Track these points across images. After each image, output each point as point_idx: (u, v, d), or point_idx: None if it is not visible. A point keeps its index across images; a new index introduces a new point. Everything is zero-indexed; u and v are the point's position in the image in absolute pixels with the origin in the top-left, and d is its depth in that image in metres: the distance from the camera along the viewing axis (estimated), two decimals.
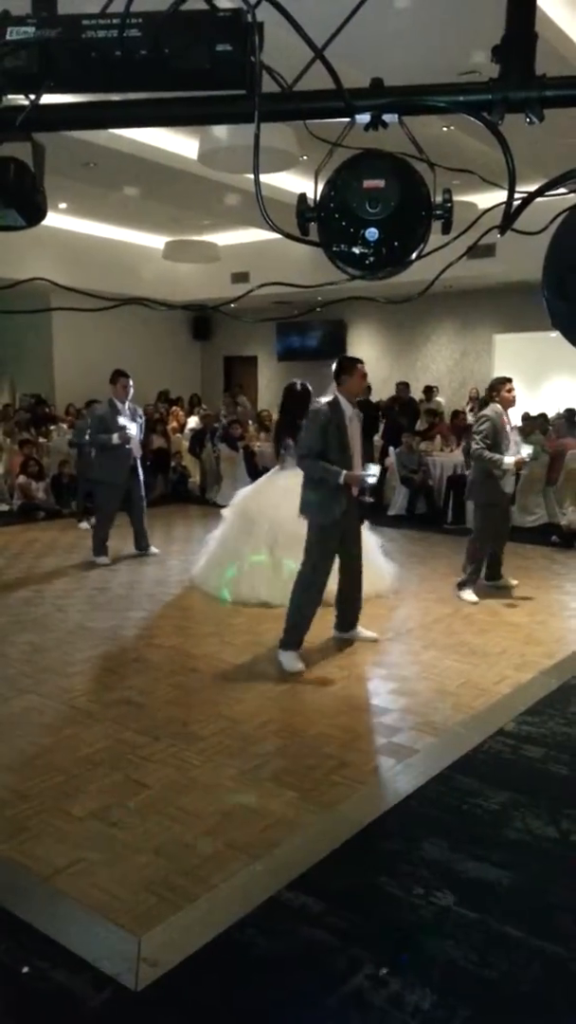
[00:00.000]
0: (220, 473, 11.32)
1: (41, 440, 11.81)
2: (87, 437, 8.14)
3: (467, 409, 12.98)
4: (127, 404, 7.52)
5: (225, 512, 6.68)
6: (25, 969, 2.30)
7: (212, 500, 11.28)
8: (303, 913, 2.55)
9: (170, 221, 12.58)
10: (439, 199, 1.44)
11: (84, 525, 9.23)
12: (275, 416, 13.85)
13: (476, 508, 6.44)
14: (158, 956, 2.34)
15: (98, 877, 2.73)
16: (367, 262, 1.43)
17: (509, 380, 6.31)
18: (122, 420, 7.36)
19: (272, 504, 6.06)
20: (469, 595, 6.27)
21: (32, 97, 1.42)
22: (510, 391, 6.23)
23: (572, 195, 1.49)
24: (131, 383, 7.55)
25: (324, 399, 4.87)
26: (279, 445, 6.25)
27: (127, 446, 7.37)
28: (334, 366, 4.96)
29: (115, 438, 7.30)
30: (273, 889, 2.66)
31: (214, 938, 2.43)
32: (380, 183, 1.39)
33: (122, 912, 2.55)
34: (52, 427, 12.55)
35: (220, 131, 7.15)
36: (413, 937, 2.47)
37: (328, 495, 4.71)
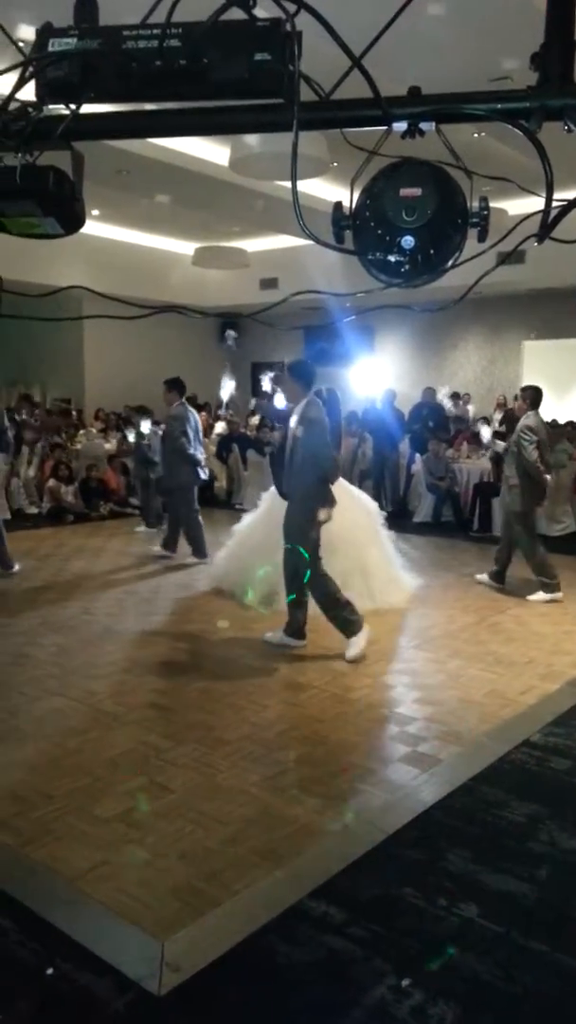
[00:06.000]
0: (246, 478, 11.37)
1: (72, 444, 11.93)
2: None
3: (495, 417, 12.92)
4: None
5: (256, 511, 6.60)
6: (50, 970, 2.32)
7: (238, 505, 11.32)
8: (325, 922, 2.54)
9: (200, 227, 12.67)
10: (475, 207, 1.44)
11: (142, 529, 9.31)
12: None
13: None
14: (181, 961, 2.35)
15: (122, 880, 2.74)
16: (403, 270, 1.43)
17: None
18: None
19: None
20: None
21: (72, 107, 1.44)
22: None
23: None
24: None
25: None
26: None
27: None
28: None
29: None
30: (296, 897, 2.66)
31: (236, 944, 2.43)
32: (417, 191, 1.39)
33: (145, 916, 2.55)
34: (81, 432, 12.67)
35: (251, 138, 7.19)
36: (436, 949, 2.45)
37: None
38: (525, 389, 6.66)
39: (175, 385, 7.75)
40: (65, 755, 3.67)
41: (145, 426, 7.41)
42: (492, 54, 5.49)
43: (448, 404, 13.17)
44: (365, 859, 2.89)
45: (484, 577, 6.94)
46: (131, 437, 7.63)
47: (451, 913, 2.60)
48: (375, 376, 12.86)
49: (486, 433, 6.42)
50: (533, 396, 6.51)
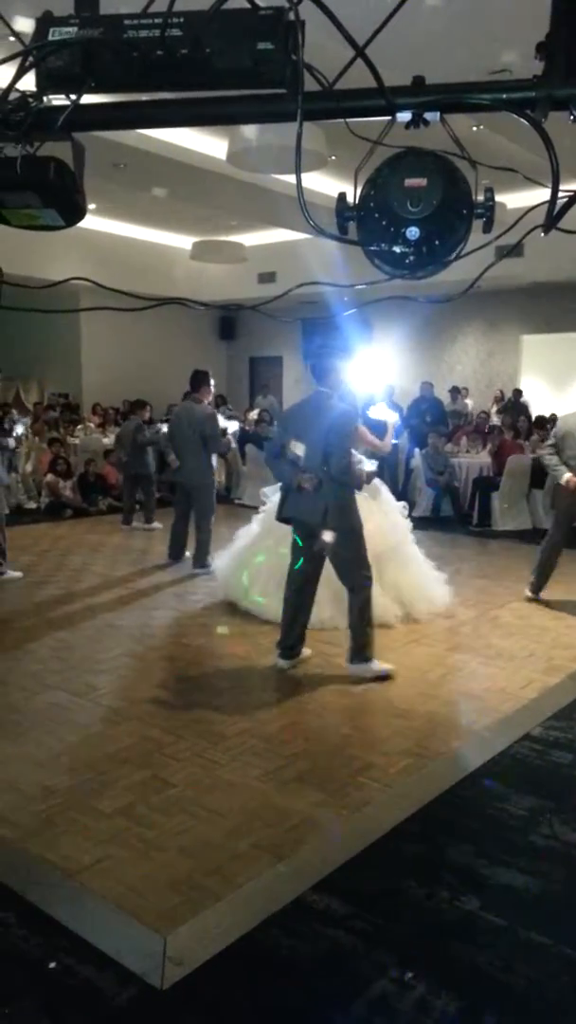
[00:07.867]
0: (245, 473, 11.35)
1: (69, 439, 11.92)
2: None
3: (492, 411, 12.92)
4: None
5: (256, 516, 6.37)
6: (52, 964, 2.32)
7: (237, 499, 11.32)
8: (328, 915, 2.54)
9: (198, 221, 12.64)
10: (481, 198, 1.43)
11: (154, 525, 9.04)
12: None
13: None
14: (184, 955, 2.35)
15: (124, 874, 2.74)
16: (407, 261, 1.42)
17: None
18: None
19: None
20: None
21: (73, 97, 1.43)
22: None
23: None
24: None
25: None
26: None
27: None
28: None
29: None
30: (298, 890, 2.66)
31: (239, 938, 2.43)
32: (422, 181, 1.38)
33: (148, 910, 2.55)
34: (79, 426, 12.66)
35: (249, 131, 7.15)
36: (439, 941, 2.45)
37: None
38: None
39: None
40: (67, 749, 3.66)
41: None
42: (491, 47, 5.47)
43: (447, 398, 13.16)
44: (367, 852, 2.90)
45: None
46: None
47: (453, 906, 2.60)
48: (374, 370, 12.84)
49: None
50: None
